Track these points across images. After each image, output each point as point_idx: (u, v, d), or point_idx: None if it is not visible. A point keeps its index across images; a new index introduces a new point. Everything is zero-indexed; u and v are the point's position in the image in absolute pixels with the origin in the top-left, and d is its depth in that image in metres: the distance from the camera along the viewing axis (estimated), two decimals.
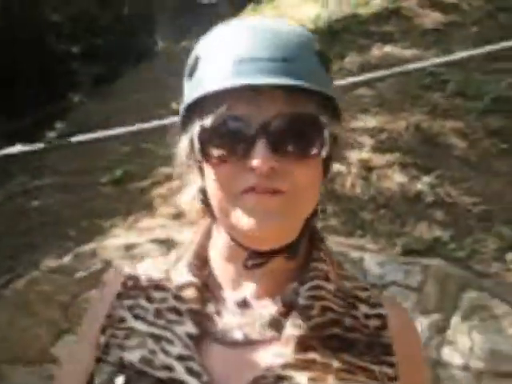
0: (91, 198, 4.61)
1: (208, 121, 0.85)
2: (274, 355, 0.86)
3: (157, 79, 6.45)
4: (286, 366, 0.84)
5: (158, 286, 0.93)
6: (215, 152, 0.85)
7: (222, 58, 0.84)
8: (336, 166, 4.53)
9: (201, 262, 0.94)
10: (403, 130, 4.54)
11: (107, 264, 4.07)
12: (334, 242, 4.05)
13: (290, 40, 0.84)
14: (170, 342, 0.87)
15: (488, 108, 4.51)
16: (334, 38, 5.80)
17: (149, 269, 0.96)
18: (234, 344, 0.88)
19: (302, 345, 0.86)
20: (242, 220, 0.84)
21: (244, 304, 0.90)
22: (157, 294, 0.92)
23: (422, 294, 3.68)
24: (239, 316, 0.90)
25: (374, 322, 0.91)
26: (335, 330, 0.88)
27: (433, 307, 3.65)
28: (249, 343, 0.88)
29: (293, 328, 0.87)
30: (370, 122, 4.68)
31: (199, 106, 0.87)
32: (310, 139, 0.84)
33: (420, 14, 5.97)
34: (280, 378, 0.84)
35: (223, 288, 0.93)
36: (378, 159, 4.42)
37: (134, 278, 0.95)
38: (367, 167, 4.41)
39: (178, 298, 0.90)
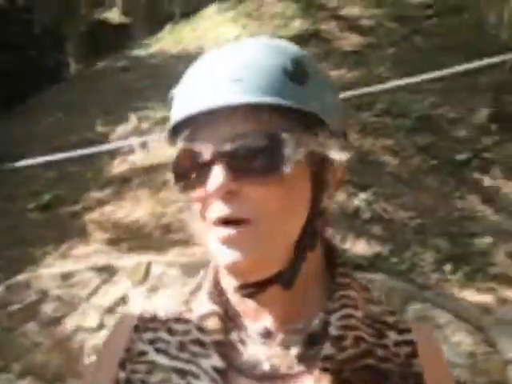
0: (19, 225, 4.37)
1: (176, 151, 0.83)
2: None
3: (68, 103, 6.26)
4: None
5: (179, 318, 0.88)
6: (186, 181, 0.82)
7: (189, 87, 0.82)
8: None
9: (218, 289, 0.89)
10: None
11: (43, 295, 3.87)
12: None
13: (253, 59, 0.80)
14: (195, 376, 0.82)
15: (415, 126, 4.68)
16: None
17: (165, 302, 0.93)
18: (262, 377, 0.83)
19: (337, 378, 0.81)
20: (219, 254, 0.80)
21: (267, 334, 0.85)
22: (178, 326, 0.87)
23: None
24: (264, 347, 0.85)
25: (404, 350, 0.87)
26: (369, 361, 0.84)
27: None
28: (277, 376, 0.83)
29: (326, 361, 0.82)
30: None
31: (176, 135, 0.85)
32: (267, 158, 0.78)
33: (339, 37, 6.14)
34: None
35: (242, 316, 0.87)
36: None
37: (151, 312, 0.91)
38: None
39: (201, 329, 0.85)
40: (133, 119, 5.34)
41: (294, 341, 0.84)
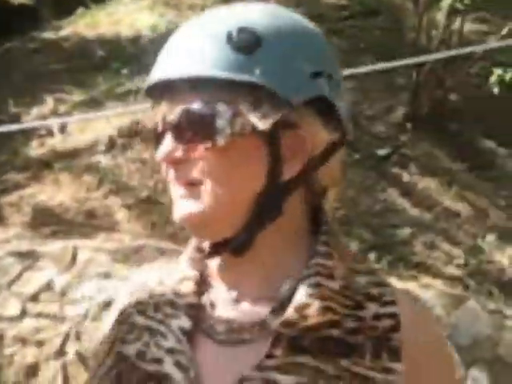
0: None
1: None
2: (263, 355, 0.82)
3: None
4: (273, 368, 0.81)
5: (161, 282, 0.93)
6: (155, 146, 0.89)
7: (158, 55, 0.88)
8: None
9: (199, 254, 0.93)
10: None
11: None
12: None
13: (204, 28, 0.84)
14: (163, 335, 0.86)
15: None
16: None
17: (153, 270, 0.98)
18: (225, 341, 0.85)
19: (294, 346, 0.82)
20: (174, 210, 0.87)
21: (236, 299, 0.88)
22: (157, 289, 0.92)
23: None
24: (232, 311, 0.87)
25: (384, 323, 0.84)
26: (333, 331, 0.83)
27: None
28: (239, 341, 0.85)
29: (285, 327, 0.82)
30: None
31: None
32: (206, 129, 0.83)
33: None
34: (266, 380, 0.80)
35: (215, 281, 0.91)
36: None
37: (144, 279, 0.97)
38: None
39: (175, 292, 0.90)
40: (49, 101, 5.12)
41: (261, 306, 0.86)
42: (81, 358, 3.55)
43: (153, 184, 4.37)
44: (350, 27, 6.30)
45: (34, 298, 3.68)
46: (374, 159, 4.70)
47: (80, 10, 7.04)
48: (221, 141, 0.82)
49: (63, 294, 3.68)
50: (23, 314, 3.64)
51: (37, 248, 3.81)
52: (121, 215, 4.17)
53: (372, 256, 4.09)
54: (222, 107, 0.82)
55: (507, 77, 4.02)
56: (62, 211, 4.15)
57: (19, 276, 3.72)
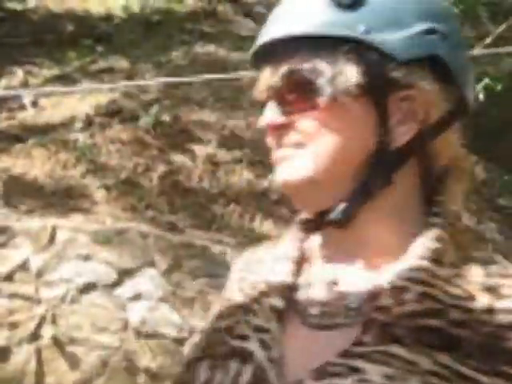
0: None
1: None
2: (352, 341, 0.75)
3: None
4: (360, 356, 0.73)
5: (260, 260, 0.91)
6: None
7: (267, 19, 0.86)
8: (181, 159, 4.40)
9: (301, 232, 0.89)
10: (244, 129, 4.59)
11: None
12: (192, 235, 3.92)
13: None
14: (255, 313, 0.83)
15: None
16: (151, 30, 5.65)
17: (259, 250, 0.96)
18: (316, 324, 0.81)
19: (385, 334, 0.74)
20: (276, 175, 0.83)
21: (334, 280, 0.82)
22: (256, 267, 0.90)
23: None
24: (327, 294, 0.82)
25: (500, 319, 0.74)
26: (433, 321, 0.73)
27: None
28: (331, 325, 0.79)
29: (377, 313, 0.75)
30: (210, 117, 4.63)
31: None
32: (309, 91, 0.79)
33: (234, 20, 6.11)
34: (352, 368, 0.73)
35: (316, 259, 0.86)
36: (224, 155, 4.40)
37: (256, 252, 0.95)
38: (213, 162, 4.36)
39: (273, 270, 0.87)
40: (19, 73, 4.87)
41: (359, 289, 0.80)
42: (57, 342, 3.37)
43: (132, 166, 4.21)
44: None
45: (8, 277, 3.47)
46: None
47: None
48: (323, 101, 0.78)
49: (40, 274, 3.48)
50: None
51: (12, 224, 3.60)
52: (99, 196, 3.99)
53: None
54: (323, 66, 0.78)
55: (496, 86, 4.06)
56: (38, 188, 3.94)
57: None
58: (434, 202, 0.82)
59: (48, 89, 4.49)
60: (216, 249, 3.78)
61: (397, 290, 0.75)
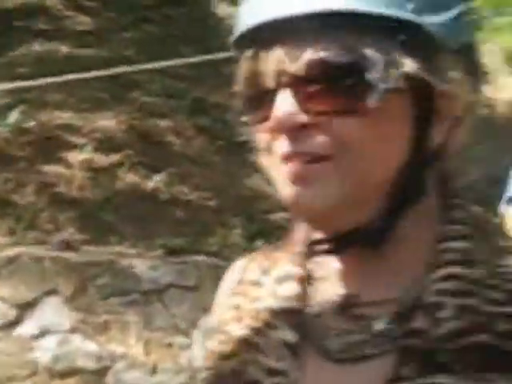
0: None
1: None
2: (386, 376, 0.63)
3: None
4: None
5: (256, 282, 0.75)
6: (251, 110, 0.67)
7: None
8: (54, 168, 3.93)
9: (310, 248, 0.73)
10: (117, 130, 4.24)
11: None
12: (91, 252, 3.52)
13: None
14: (263, 351, 0.70)
15: (194, 108, 4.59)
16: None
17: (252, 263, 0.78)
18: (340, 358, 0.67)
19: (427, 362, 0.62)
20: (285, 190, 0.65)
21: (347, 304, 0.69)
22: (254, 292, 0.74)
23: (200, 291, 3.53)
24: (346, 320, 0.68)
25: None
26: (480, 337, 0.62)
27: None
28: (358, 358, 0.67)
29: (413, 338, 0.64)
30: (76, 120, 4.22)
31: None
32: (349, 84, 0.63)
33: (66, 16, 5.65)
34: None
35: (327, 279, 0.72)
36: (102, 159, 4.03)
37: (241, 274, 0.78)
38: (92, 168, 3.97)
39: (275, 294, 0.72)
40: None
41: (379, 314, 0.67)
42: None
43: (2, 181, 3.68)
44: (160, 15, 6.07)
45: None
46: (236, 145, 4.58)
47: None
48: (373, 100, 0.61)
49: None
50: None
51: None
52: None
53: (258, 243, 3.95)
54: (372, 54, 0.61)
55: None
56: None
57: None
58: (448, 192, 0.70)
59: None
60: (122, 263, 3.43)
61: (431, 306, 0.63)
